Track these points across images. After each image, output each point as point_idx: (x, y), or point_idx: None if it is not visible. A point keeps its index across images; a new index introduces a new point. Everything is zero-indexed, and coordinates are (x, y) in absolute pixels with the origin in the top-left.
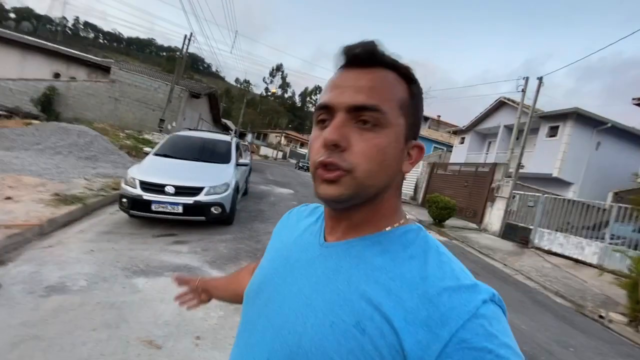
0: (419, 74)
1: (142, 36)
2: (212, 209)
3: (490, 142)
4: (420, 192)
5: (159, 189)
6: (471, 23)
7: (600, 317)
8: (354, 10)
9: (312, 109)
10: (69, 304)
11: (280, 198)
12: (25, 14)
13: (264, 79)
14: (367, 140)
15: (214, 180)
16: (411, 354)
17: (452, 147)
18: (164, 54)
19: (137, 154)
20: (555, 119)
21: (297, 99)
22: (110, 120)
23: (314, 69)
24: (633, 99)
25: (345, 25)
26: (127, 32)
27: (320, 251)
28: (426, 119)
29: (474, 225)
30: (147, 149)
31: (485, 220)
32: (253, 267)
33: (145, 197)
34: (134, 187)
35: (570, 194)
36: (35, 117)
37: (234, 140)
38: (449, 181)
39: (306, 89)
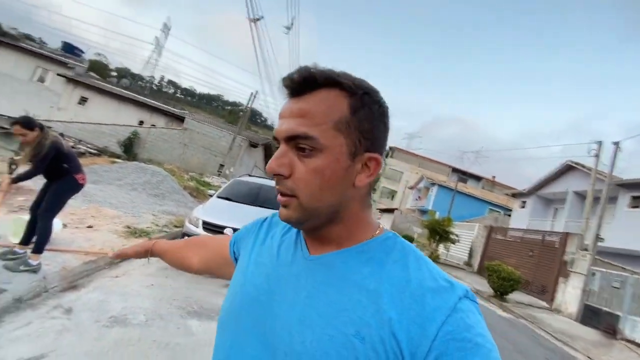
0: (457, 130)
1: (213, 92)
2: None
3: (556, 209)
4: (475, 258)
5: (218, 230)
6: (511, 80)
7: None
8: (395, 66)
9: None
10: (128, 338)
11: None
12: (124, 72)
13: None
14: (305, 165)
15: None
16: (407, 351)
17: (510, 210)
18: (228, 107)
19: (198, 195)
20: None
21: None
22: (178, 163)
23: None
24: None
25: (382, 79)
26: (199, 89)
27: (307, 265)
28: (479, 178)
29: (544, 304)
30: (210, 192)
31: (558, 299)
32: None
33: None
34: (197, 227)
35: None
36: (118, 157)
37: None
38: (510, 248)
39: None
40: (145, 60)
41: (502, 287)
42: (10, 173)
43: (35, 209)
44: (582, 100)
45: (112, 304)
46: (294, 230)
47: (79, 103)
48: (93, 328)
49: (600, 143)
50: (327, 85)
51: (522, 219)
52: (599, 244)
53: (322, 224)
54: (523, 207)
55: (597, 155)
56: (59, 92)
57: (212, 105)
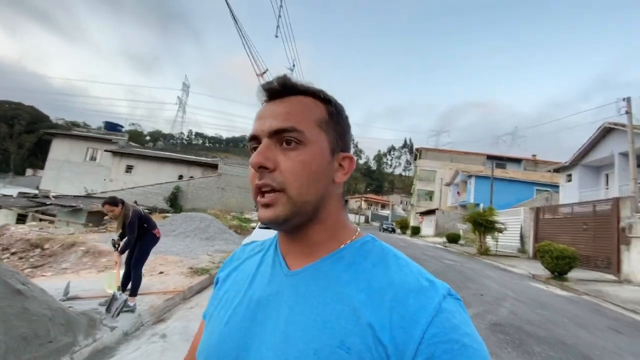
0: (478, 116)
1: (237, 135)
2: None
3: (607, 175)
4: (528, 243)
5: None
6: (521, 49)
7: None
8: (393, 67)
9: (390, 170)
10: None
11: None
12: (157, 135)
13: None
14: (292, 158)
15: None
16: (393, 356)
17: (559, 187)
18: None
19: (242, 231)
20: None
21: (372, 163)
22: (219, 206)
23: (372, 130)
24: None
25: (388, 81)
26: (224, 134)
27: (287, 281)
28: (519, 161)
29: (611, 277)
30: (253, 225)
31: (625, 269)
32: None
33: None
34: None
35: None
36: (167, 211)
37: None
38: (562, 226)
39: (379, 151)
40: (173, 119)
41: (558, 267)
42: (116, 249)
43: (129, 263)
44: (602, 51)
45: (193, 327)
46: (270, 252)
47: (126, 171)
48: (184, 345)
49: (628, 99)
50: (304, 94)
51: (572, 193)
52: None
53: (305, 223)
54: (569, 180)
55: (628, 112)
56: (109, 165)
57: (239, 146)
